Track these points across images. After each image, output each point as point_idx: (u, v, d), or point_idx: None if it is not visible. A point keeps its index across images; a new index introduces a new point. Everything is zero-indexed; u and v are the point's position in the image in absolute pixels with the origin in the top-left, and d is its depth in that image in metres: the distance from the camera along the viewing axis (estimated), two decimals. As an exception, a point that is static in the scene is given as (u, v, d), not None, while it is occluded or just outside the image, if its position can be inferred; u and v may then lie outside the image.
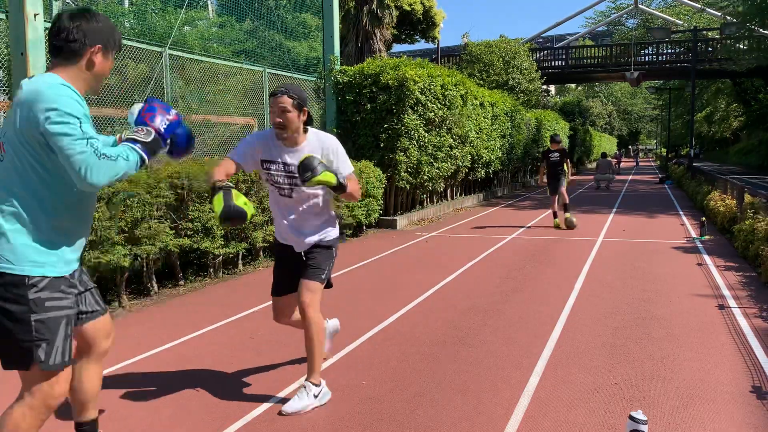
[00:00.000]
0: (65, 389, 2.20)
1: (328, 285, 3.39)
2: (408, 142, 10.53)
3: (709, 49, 32.15)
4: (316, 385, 3.26)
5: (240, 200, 2.80)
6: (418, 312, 5.16)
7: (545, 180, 11.12)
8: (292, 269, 3.33)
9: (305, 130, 3.20)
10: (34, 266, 2.07)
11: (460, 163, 13.09)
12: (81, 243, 2.25)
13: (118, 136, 2.42)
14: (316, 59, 11.48)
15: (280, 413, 3.19)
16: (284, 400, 3.35)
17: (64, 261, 2.16)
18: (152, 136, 2.23)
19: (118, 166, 2.08)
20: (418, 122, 10.70)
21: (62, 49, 2.13)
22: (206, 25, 11.30)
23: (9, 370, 2.15)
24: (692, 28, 23.50)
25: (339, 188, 3.05)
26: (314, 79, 11.04)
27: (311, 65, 11.42)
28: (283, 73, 10.20)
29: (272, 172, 3.19)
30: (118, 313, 5.28)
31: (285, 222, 3.28)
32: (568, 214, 10.64)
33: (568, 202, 10.92)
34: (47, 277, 2.09)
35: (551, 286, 6.09)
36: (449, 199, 14.22)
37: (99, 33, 2.19)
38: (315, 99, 11.11)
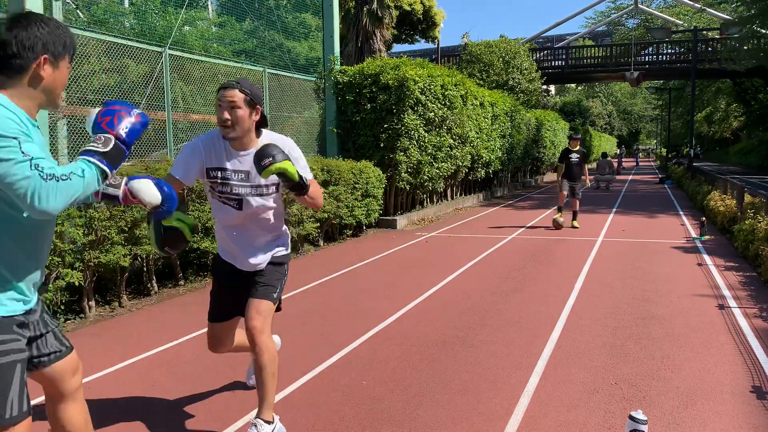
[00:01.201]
0: None
1: (278, 308, 2.94)
2: (408, 142, 10.52)
3: (709, 49, 32.15)
4: (269, 423, 2.77)
5: (172, 219, 2.38)
6: (418, 312, 5.16)
7: (561, 183, 10.73)
8: (236, 291, 2.89)
9: (258, 134, 2.78)
10: None
11: (460, 163, 13.09)
12: (35, 278, 1.96)
13: None
14: (316, 59, 11.48)
15: None
16: (285, 401, 3.35)
17: (16, 298, 1.88)
18: (111, 144, 1.86)
19: (72, 186, 1.75)
20: (418, 122, 10.70)
21: (3, 66, 1.82)
22: (206, 25, 11.30)
23: None
24: (692, 28, 23.50)
25: (300, 186, 2.62)
26: (314, 79, 11.04)
27: (311, 65, 11.42)
28: (283, 73, 10.20)
29: (219, 181, 2.75)
30: (118, 313, 5.29)
31: (230, 239, 2.86)
32: (574, 222, 10.58)
33: (578, 209, 10.82)
34: None
35: (551, 286, 6.09)
36: (449, 199, 14.22)
37: (43, 41, 1.85)
38: (315, 99, 11.11)
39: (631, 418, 2.69)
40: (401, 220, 10.92)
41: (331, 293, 5.88)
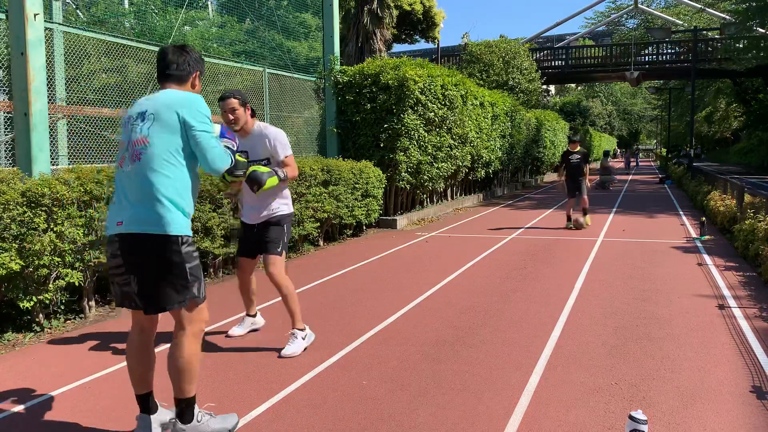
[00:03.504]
0: (208, 315, 2.88)
1: (287, 256, 4.12)
2: (408, 142, 10.52)
3: (709, 49, 32.16)
4: (301, 330, 4.16)
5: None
6: (418, 312, 5.16)
7: (563, 182, 10.84)
8: (251, 240, 4.17)
9: (253, 120, 4.11)
10: (183, 228, 2.69)
11: (460, 163, 13.08)
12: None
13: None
14: (316, 59, 11.48)
15: (279, 356, 4.00)
16: (285, 401, 3.36)
17: (190, 224, 2.79)
18: (235, 148, 3.07)
19: (228, 160, 2.84)
20: (418, 122, 10.70)
21: (174, 76, 2.83)
22: (206, 25, 11.30)
23: (168, 311, 2.71)
24: (692, 28, 23.51)
25: (283, 182, 3.91)
26: (314, 79, 11.04)
27: (311, 65, 11.42)
28: (283, 73, 10.19)
29: None
30: (117, 313, 5.28)
31: (242, 200, 4.20)
32: (586, 218, 10.57)
33: (587, 206, 10.84)
34: (190, 235, 2.73)
35: (551, 286, 6.09)
36: (449, 199, 14.22)
37: (198, 61, 2.91)
38: (315, 99, 11.10)
39: (631, 418, 2.69)
40: (401, 220, 10.92)
41: (331, 293, 5.88)
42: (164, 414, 2.93)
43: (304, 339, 4.12)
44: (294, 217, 7.67)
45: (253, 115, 4.08)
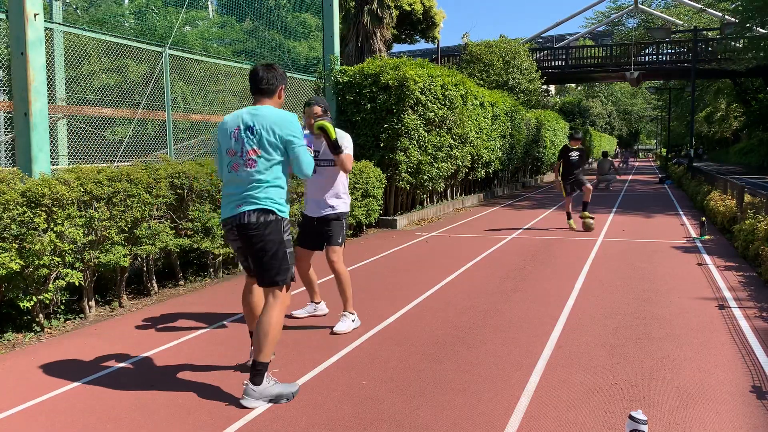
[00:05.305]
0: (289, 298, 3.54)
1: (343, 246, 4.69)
2: (408, 142, 10.52)
3: (709, 49, 32.18)
4: (351, 313, 4.67)
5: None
6: (418, 312, 5.16)
7: (560, 181, 10.62)
8: (312, 233, 4.69)
9: None
10: (283, 213, 3.38)
11: (460, 163, 13.08)
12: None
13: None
14: (316, 59, 11.48)
15: (331, 332, 4.51)
16: (284, 401, 3.36)
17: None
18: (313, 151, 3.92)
19: (312, 165, 3.47)
20: (418, 122, 10.70)
21: (265, 90, 3.42)
22: (206, 25, 11.30)
23: (270, 287, 3.40)
24: (692, 28, 23.50)
25: (334, 145, 4.21)
26: (314, 79, 11.04)
27: (311, 65, 11.42)
28: (283, 73, 10.16)
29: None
30: (118, 313, 5.29)
31: (307, 193, 4.72)
32: (586, 214, 10.42)
33: (589, 200, 10.64)
34: (286, 217, 3.40)
35: (551, 286, 6.09)
36: (449, 199, 14.22)
37: (282, 77, 3.48)
38: (315, 99, 11.07)
39: (631, 418, 2.69)
40: (401, 220, 10.92)
41: (330, 293, 5.88)
42: None
43: (353, 321, 4.64)
44: (293, 218, 7.69)
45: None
